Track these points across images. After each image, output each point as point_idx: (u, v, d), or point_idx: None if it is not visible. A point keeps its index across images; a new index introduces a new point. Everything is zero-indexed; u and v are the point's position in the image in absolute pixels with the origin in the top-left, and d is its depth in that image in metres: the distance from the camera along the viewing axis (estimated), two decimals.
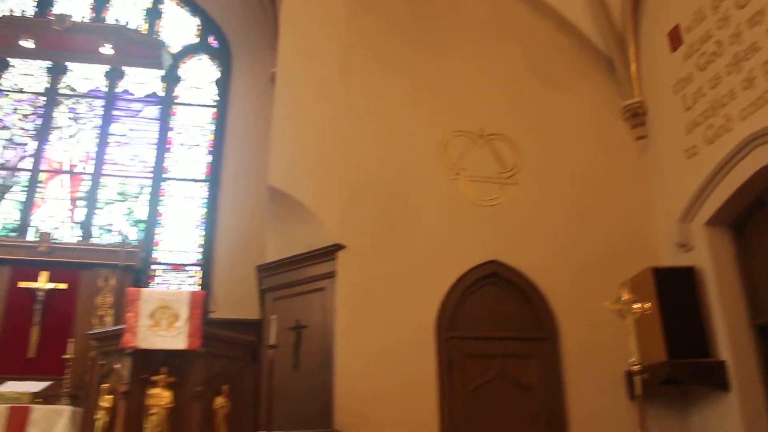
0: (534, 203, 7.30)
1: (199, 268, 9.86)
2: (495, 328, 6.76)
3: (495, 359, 6.60)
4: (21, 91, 10.79)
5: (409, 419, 6.27)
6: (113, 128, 10.60)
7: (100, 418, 4.42)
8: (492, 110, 7.70)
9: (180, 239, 10.00)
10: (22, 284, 8.65)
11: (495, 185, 7.35)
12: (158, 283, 9.65)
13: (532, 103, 7.79)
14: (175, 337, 4.22)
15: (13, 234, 9.64)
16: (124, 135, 10.60)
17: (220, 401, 4.56)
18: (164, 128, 10.65)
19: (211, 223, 10.02)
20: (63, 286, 8.74)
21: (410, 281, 6.72)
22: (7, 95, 10.73)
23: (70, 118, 10.68)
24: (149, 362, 4.32)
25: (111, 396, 4.42)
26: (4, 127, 10.51)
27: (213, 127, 10.73)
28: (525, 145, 7.56)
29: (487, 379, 6.52)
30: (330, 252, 6.62)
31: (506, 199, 7.25)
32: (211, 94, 11.01)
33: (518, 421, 6.41)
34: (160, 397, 4.27)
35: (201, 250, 9.93)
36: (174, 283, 9.69)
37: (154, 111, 10.81)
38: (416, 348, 6.53)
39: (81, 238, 9.64)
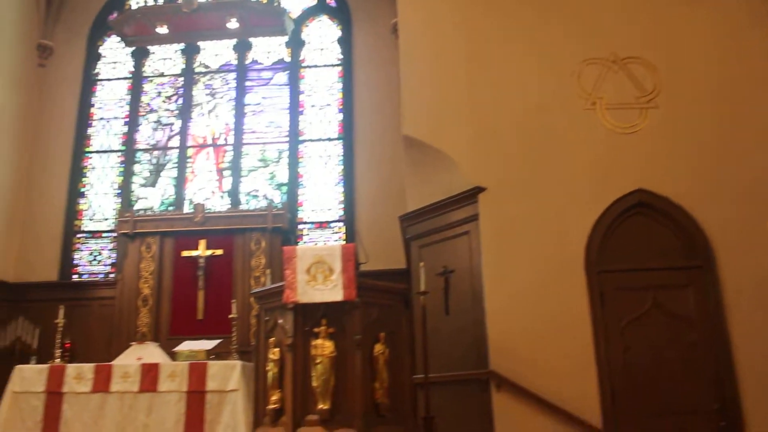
0: (677, 126, 6.88)
1: (342, 224, 10.18)
2: (645, 259, 6.51)
3: (648, 291, 6.37)
4: (162, 75, 11.48)
5: (565, 356, 6.21)
6: (247, 98, 11.05)
7: (270, 369, 4.72)
8: (623, 34, 7.28)
9: (322, 198, 10.35)
10: (185, 253, 9.37)
11: (634, 111, 6.99)
12: (305, 242, 10.07)
13: (665, 22, 7.28)
14: (331, 290, 4.41)
15: (171, 208, 10.38)
16: (258, 104, 11.02)
17: (379, 348, 4.72)
18: (295, 92, 10.96)
19: (349, 179, 10.28)
20: (219, 252, 9.38)
21: (554, 217, 6.59)
22: (151, 80, 11.46)
23: (207, 94, 11.23)
24: (310, 315, 4.54)
25: (278, 349, 4.70)
26: (152, 110, 11.26)
27: (341, 86, 10.91)
28: (662, 67, 7.11)
29: (642, 312, 6.31)
30: (471, 195, 6.60)
31: (648, 125, 6.89)
32: (335, 53, 11.17)
33: (677, 351, 6.19)
34: (323, 347, 4.49)
35: (342, 206, 10.23)
36: (320, 241, 10.07)
37: (283, 77, 11.14)
38: (566, 284, 6.42)
39: (230, 206, 10.21)
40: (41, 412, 7.16)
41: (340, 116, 10.72)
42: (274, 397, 4.69)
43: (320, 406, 4.49)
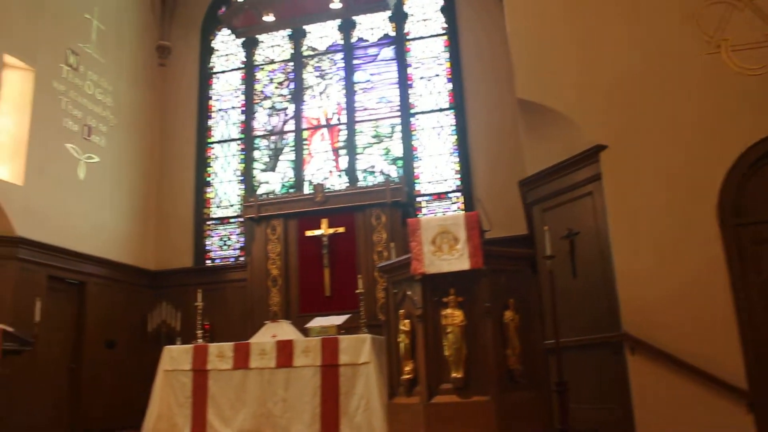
0: None
1: (460, 193, 10.14)
2: None
3: None
4: (272, 62, 11.79)
5: (702, 315, 5.90)
6: (356, 76, 11.18)
7: (402, 341, 4.79)
8: None
9: (438, 169, 10.35)
10: (309, 233, 9.65)
11: (765, 50, 6.51)
12: (424, 214, 10.12)
13: None
14: (458, 259, 4.41)
15: (292, 190, 10.71)
16: (368, 81, 11.12)
17: (509, 315, 4.69)
18: (402, 66, 10.97)
19: (464, 148, 10.21)
20: (341, 229, 9.59)
21: (682, 171, 6.24)
22: (262, 68, 11.81)
23: (317, 76, 11.44)
24: (438, 285, 4.56)
25: (408, 320, 4.76)
26: (266, 97, 11.62)
27: (447, 55, 10.81)
28: None
29: None
30: (592, 154, 6.39)
31: None
32: (439, 22, 11.07)
33: None
34: (453, 316, 4.50)
35: (459, 176, 10.19)
36: (439, 212, 10.09)
37: (389, 52, 11.17)
38: (700, 240, 6.09)
39: (348, 184, 10.40)
40: (190, 388, 7.65)
41: (450, 86, 10.64)
42: (407, 368, 4.76)
43: (454, 374, 4.51)
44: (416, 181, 10.40)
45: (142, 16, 11.58)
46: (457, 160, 10.27)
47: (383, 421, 6.78)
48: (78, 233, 9.38)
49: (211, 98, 11.89)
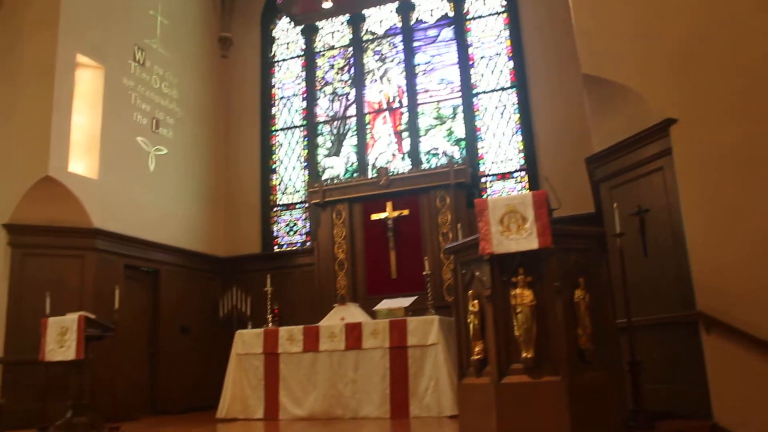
0: None
1: (524, 173, 10.02)
2: None
3: None
4: (332, 48, 11.86)
5: None
6: (417, 58, 11.15)
7: (471, 321, 4.78)
8: None
9: (501, 149, 10.24)
10: (374, 216, 9.71)
11: None
12: (489, 195, 10.04)
13: None
14: (526, 239, 4.36)
15: (356, 174, 10.78)
16: (428, 62, 11.07)
17: (579, 293, 4.61)
18: (462, 46, 10.87)
19: (527, 126, 10.07)
20: (406, 212, 9.62)
21: (758, 142, 5.99)
22: (323, 55, 11.89)
23: (377, 60, 11.45)
24: (506, 265, 4.53)
25: (477, 301, 4.74)
26: (327, 83, 11.71)
27: (508, 33, 10.65)
28: None
29: None
30: (662, 128, 6.19)
31: None
32: (499, 0, 10.89)
33: None
34: (523, 296, 4.46)
35: (523, 155, 10.06)
36: (503, 192, 10.00)
37: (449, 32, 11.08)
38: None
39: (412, 167, 10.40)
40: (262, 371, 7.85)
41: (511, 64, 10.49)
42: (477, 348, 4.75)
43: (524, 354, 4.48)
44: (480, 161, 10.32)
45: (204, 9, 11.80)
46: (521, 139, 10.13)
47: (452, 402, 6.82)
48: (150, 223, 9.68)
49: (273, 86, 12.06)
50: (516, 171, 10.11)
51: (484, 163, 10.32)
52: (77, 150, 8.79)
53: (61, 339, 6.92)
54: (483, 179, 10.23)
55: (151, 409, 9.34)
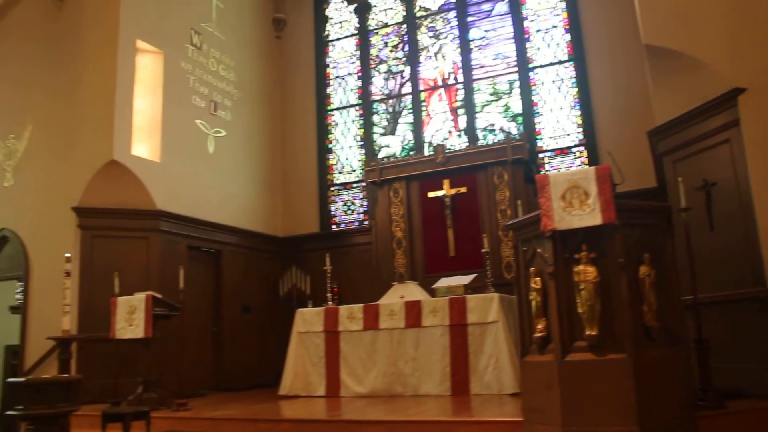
0: None
1: (583, 148, 9.84)
2: None
3: None
4: (385, 26, 11.81)
5: None
6: (471, 34, 11.00)
7: (533, 298, 4.74)
8: None
9: (559, 123, 10.06)
10: (431, 194, 9.70)
11: None
12: (547, 170, 9.90)
13: None
14: (589, 214, 4.28)
15: (412, 152, 10.76)
16: (483, 37, 10.91)
17: (644, 270, 4.52)
18: (518, 20, 10.67)
19: (586, 100, 9.86)
20: (463, 189, 9.57)
21: None
22: (376, 33, 11.85)
23: (431, 37, 11.35)
24: (569, 241, 4.46)
25: (539, 278, 4.69)
26: (381, 61, 11.68)
27: (564, 5, 10.40)
28: None
29: None
30: (729, 99, 5.98)
31: None
32: None
33: None
34: (586, 273, 4.39)
35: (582, 129, 9.86)
36: (562, 167, 9.84)
37: (503, 6, 10.89)
38: None
39: (468, 143, 10.31)
40: (323, 349, 7.97)
41: (568, 36, 10.26)
42: (539, 326, 4.71)
43: (588, 332, 4.42)
44: (538, 137, 10.17)
45: None
46: (579, 113, 9.93)
47: (513, 379, 6.82)
48: (211, 204, 9.88)
49: (327, 66, 12.09)
50: (574, 146, 9.92)
51: (541, 139, 10.16)
52: (140, 134, 9.01)
53: (130, 318, 7.16)
54: (541, 155, 10.09)
55: (216, 386, 9.58)
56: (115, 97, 8.63)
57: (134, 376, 7.38)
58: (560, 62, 10.26)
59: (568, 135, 9.98)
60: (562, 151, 9.98)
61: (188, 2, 10.12)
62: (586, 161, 9.72)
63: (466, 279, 8.04)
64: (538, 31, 10.53)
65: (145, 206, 8.79)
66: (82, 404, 4.27)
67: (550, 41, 10.40)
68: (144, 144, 9.04)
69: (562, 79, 10.19)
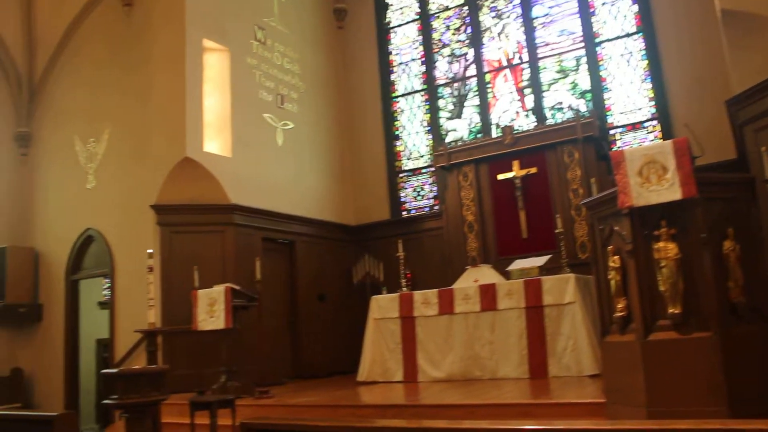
0: None
1: (656, 122, 9.54)
2: None
3: None
4: (447, 9, 11.72)
5: None
6: (534, 11, 10.78)
7: (612, 277, 4.66)
8: None
9: (630, 98, 9.78)
10: (501, 176, 9.60)
11: None
12: (619, 147, 9.65)
13: None
14: (667, 189, 4.17)
15: (480, 135, 10.67)
16: (547, 14, 10.69)
17: (728, 245, 4.38)
18: None
19: (657, 72, 9.54)
20: (533, 170, 9.43)
21: None
22: (437, 16, 11.76)
23: (493, 17, 11.19)
24: (647, 218, 4.36)
25: (617, 256, 4.61)
26: (444, 45, 11.59)
27: None
28: None
29: None
30: None
31: None
32: None
33: None
34: (666, 249, 4.29)
35: (654, 103, 9.56)
36: (635, 143, 9.57)
37: None
38: None
39: (536, 123, 10.14)
40: (399, 335, 8.03)
41: (636, 8, 9.94)
42: (619, 305, 4.63)
43: (671, 310, 4.32)
44: (608, 113, 9.91)
45: None
46: (651, 86, 9.62)
47: (593, 361, 6.72)
48: (282, 196, 10.04)
49: (390, 53, 12.08)
50: (647, 120, 9.63)
51: (612, 115, 9.90)
52: (210, 131, 9.23)
53: (211, 309, 7.37)
54: (611, 131, 9.84)
55: (294, 374, 9.77)
56: (185, 97, 8.86)
57: (217, 366, 7.59)
58: (628, 35, 9.95)
59: (640, 109, 9.69)
60: (634, 127, 9.70)
61: None
62: (660, 135, 9.42)
63: (540, 260, 7.95)
64: (603, 4, 10.24)
65: (220, 201, 9.01)
66: (171, 393, 4.43)
67: (616, 14, 10.10)
68: (215, 140, 9.25)
69: (630, 52, 9.88)
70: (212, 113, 9.32)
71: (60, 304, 10.15)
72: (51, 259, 10.39)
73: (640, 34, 9.83)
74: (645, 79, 9.70)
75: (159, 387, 3.79)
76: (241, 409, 6.00)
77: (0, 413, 4.21)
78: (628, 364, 4.50)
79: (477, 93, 11.01)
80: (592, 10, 10.29)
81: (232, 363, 7.47)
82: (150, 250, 5.60)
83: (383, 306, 8.21)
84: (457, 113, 11.21)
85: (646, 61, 9.70)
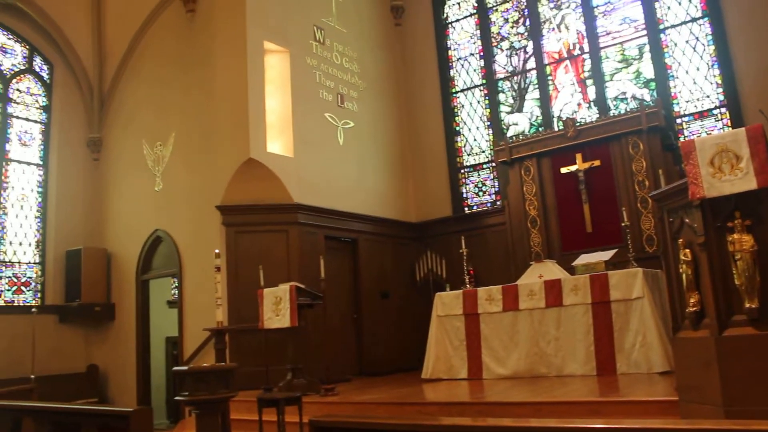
0: None
1: (724, 109, 9.22)
2: None
3: None
4: (505, 1, 11.59)
5: None
6: (594, 0, 10.53)
7: (683, 271, 4.51)
8: None
9: (697, 85, 9.47)
10: (563, 170, 9.46)
11: None
12: (686, 136, 9.37)
13: None
14: (742, 179, 4.00)
15: (541, 128, 10.51)
16: (607, 2, 10.45)
17: None
18: None
19: (725, 57, 9.21)
20: (597, 162, 9.26)
21: None
22: (495, 10, 11.64)
23: (552, 8, 11.01)
24: (720, 209, 4.19)
25: (688, 249, 4.46)
26: (503, 38, 11.46)
27: None
28: None
29: None
30: None
31: None
32: None
33: None
34: (741, 241, 4.12)
35: (722, 89, 9.24)
36: (703, 131, 9.27)
37: None
38: None
39: (599, 115, 9.93)
40: (463, 332, 7.98)
41: None
42: (692, 300, 4.48)
43: (747, 305, 4.15)
44: (673, 101, 9.62)
45: None
46: (719, 72, 9.30)
47: (663, 357, 6.54)
48: (344, 194, 10.12)
49: (449, 48, 12.02)
50: (715, 108, 9.31)
51: (678, 103, 9.61)
52: (273, 131, 9.37)
53: (276, 308, 7.48)
54: (678, 120, 9.55)
55: (359, 371, 9.84)
56: (248, 99, 9.02)
57: (282, 364, 7.70)
58: (694, 20, 9.64)
59: (707, 97, 9.38)
60: (702, 115, 9.40)
61: (309, 0, 10.37)
62: (729, 123, 9.10)
63: (606, 255, 7.78)
64: None
65: (283, 200, 9.13)
66: (240, 390, 4.51)
67: None
68: (278, 140, 9.39)
69: (696, 38, 9.57)
70: (274, 114, 9.46)
71: (131, 303, 10.48)
72: (122, 259, 10.74)
73: (707, 18, 9.52)
74: (712, 65, 9.38)
75: (228, 384, 3.86)
76: (307, 406, 6.07)
77: (79, 407, 4.35)
78: (702, 361, 4.36)
79: (537, 86, 10.86)
80: None
81: (297, 360, 7.56)
82: (217, 250, 5.70)
83: (447, 303, 8.18)
84: (517, 107, 11.07)
85: (713, 47, 9.38)
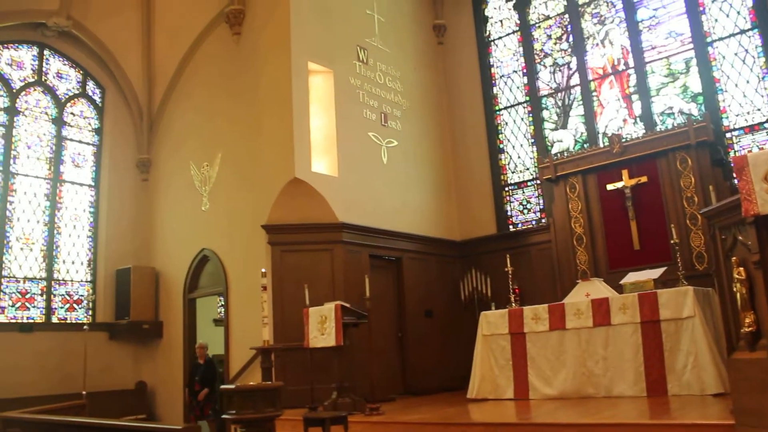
0: None
1: None
2: None
3: None
4: (547, 18, 11.54)
5: None
6: (639, 14, 10.44)
7: (738, 290, 4.39)
8: None
9: (747, 98, 9.26)
10: (610, 186, 9.34)
11: None
12: (736, 151, 9.16)
13: None
14: None
15: (586, 145, 10.40)
16: (652, 16, 10.33)
17: None
18: None
19: None
20: (644, 179, 9.14)
21: None
22: (538, 26, 11.61)
23: (596, 24, 10.93)
24: None
25: (742, 268, 4.35)
26: (546, 55, 11.42)
27: None
28: None
29: None
30: None
31: None
32: None
33: None
34: None
35: None
36: (755, 145, 9.06)
37: None
38: None
39: (645, 130, 9.79)
40: (509, 351, 7.90)
41: (750, 2, 9.43)
42: (747, 320, 4.35)
43: None
44: (722, 115, 9.42)
45: (416, 0, 12.05)
46: None
47: (716, 378, 6.36)
48: (388, 213, 10.14)
49: (492, 66, 12.01)
50: (766, 121, 9.09)
51: (727, 117, 9.41)
52: (317, 151, 9.46)
53: (322, 327, 7.52)
54: (727, 135, 9.35)
55: (404, 390, 9.79)
56: (292, 119, 9.14)
57: (328, 382, 7.71)
58: (742, 32, 9.46)
59: (758, 110, 9.17)
60: (752, 128, 9.19)
61: (352, 20, 10.50)
62: None
63: (655, 273, 7.63)
64: (713, 1, 9.78)
65: (328, 219, 9.19)
66: (285, 408, 4.54)
67: (728, 10, 9.62)
68: (322, 160, 9.48)
69: (746, 50, 9.38)
70: (319, 134, 9.56)
71: (178, 321, 10.65)
72: (170, 278, 10.94)
73: (756, 29, 9.33)
74: (763, 77, 9.18)
75: (274, 403, 3.89)
76: (352, 425, 6.07)
77: (130, 424, 4.43)
78: (759, 383, 4.22)
79: (582, 102, 10.76)
80: (701, 8, 9.86)
81: (343, 379, 7.56)
82: (263, 269, 5.77)
83: (492, 322, 8.11)
84: (562, 124, 10.99)
85: (764, 59, 9.18)
